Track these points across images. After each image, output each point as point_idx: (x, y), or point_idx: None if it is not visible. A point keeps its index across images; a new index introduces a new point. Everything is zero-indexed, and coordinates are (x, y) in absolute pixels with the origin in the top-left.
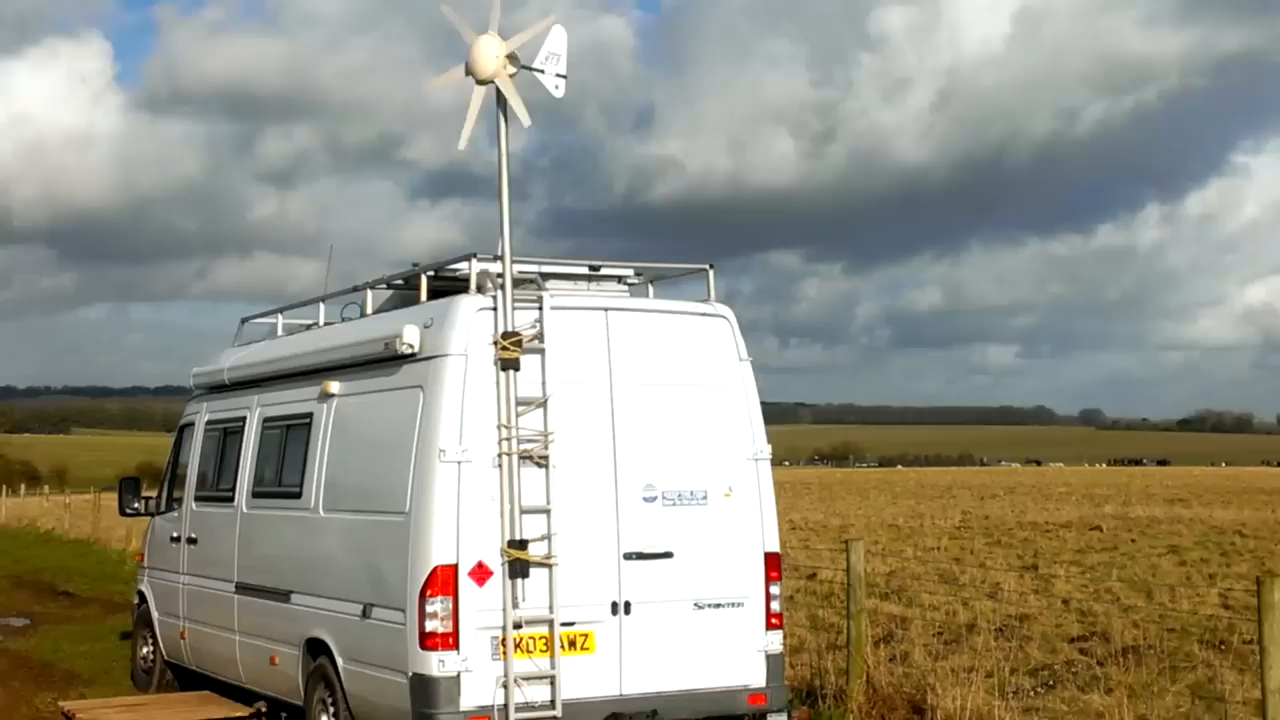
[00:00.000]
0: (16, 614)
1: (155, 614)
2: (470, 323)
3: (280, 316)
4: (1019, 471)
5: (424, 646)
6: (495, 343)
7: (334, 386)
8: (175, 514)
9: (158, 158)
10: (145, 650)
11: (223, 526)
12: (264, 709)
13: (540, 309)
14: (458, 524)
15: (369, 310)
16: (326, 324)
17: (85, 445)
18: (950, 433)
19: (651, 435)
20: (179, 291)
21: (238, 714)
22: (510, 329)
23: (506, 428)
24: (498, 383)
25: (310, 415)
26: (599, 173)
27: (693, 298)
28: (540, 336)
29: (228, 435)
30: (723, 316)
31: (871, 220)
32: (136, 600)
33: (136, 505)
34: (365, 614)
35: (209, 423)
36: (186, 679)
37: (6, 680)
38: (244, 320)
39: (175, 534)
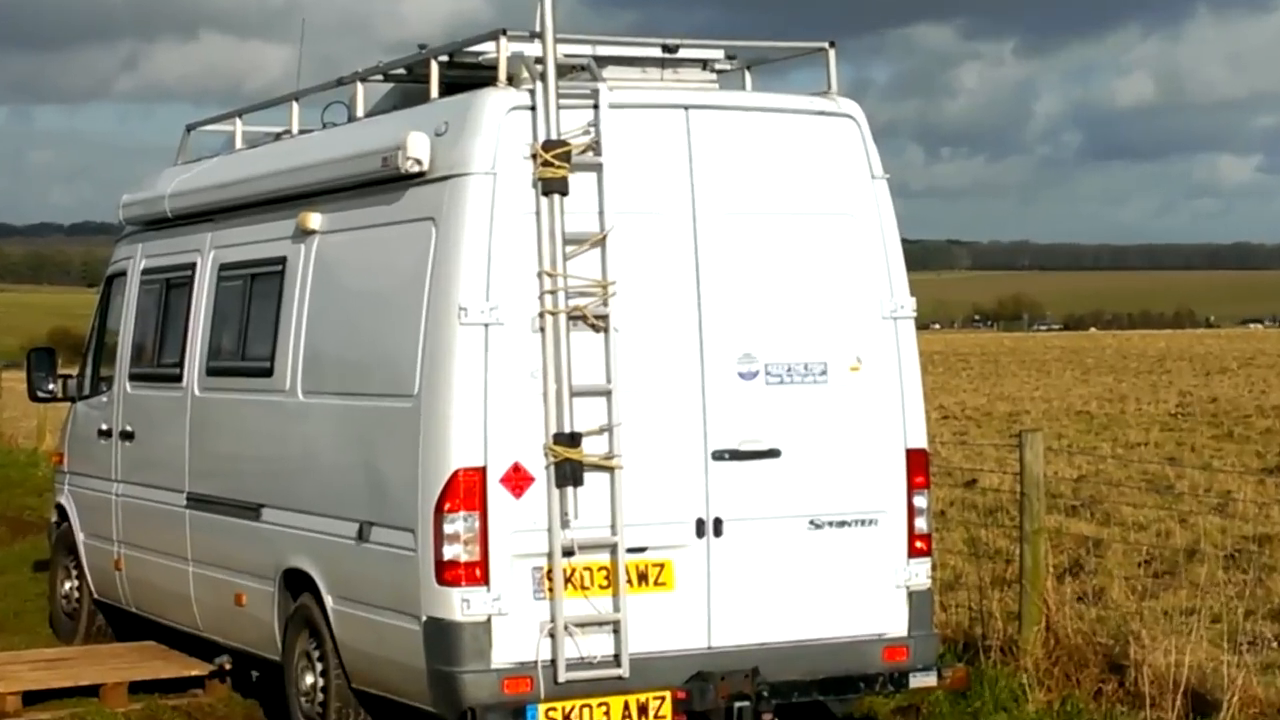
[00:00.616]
0: None
1: (80, 537)
2: (499, 128)
3: (239, 123)
4: (1260, 335)
5: (442, 580)
6: (534, 156)
7: (314, 220)
8: (104, 399)
9: None
10: (68, 586)
11: (168, 416)
12: (228, 665)
13: (596, 108)
14: (485, 411)
15: (360, 113)
16: (302, 132)
17: None
18: (1163, 281)
19: (750, 285)
20: (100, 89)
21: (192, 672)
22: (555, 136)
23: (551, 276)
24: (538, 212)
25: (283, 261)
26: None
27: (807, 91)
28: (596, 147)
29: (171, 290)
30: (849, 117)
31: None
32: (54, 518)
33: (51, 387)
34: (362, 536)
35: (146, 272)
36: (124, 624)
37: None
38: (190, 128)
39: (104, 426)
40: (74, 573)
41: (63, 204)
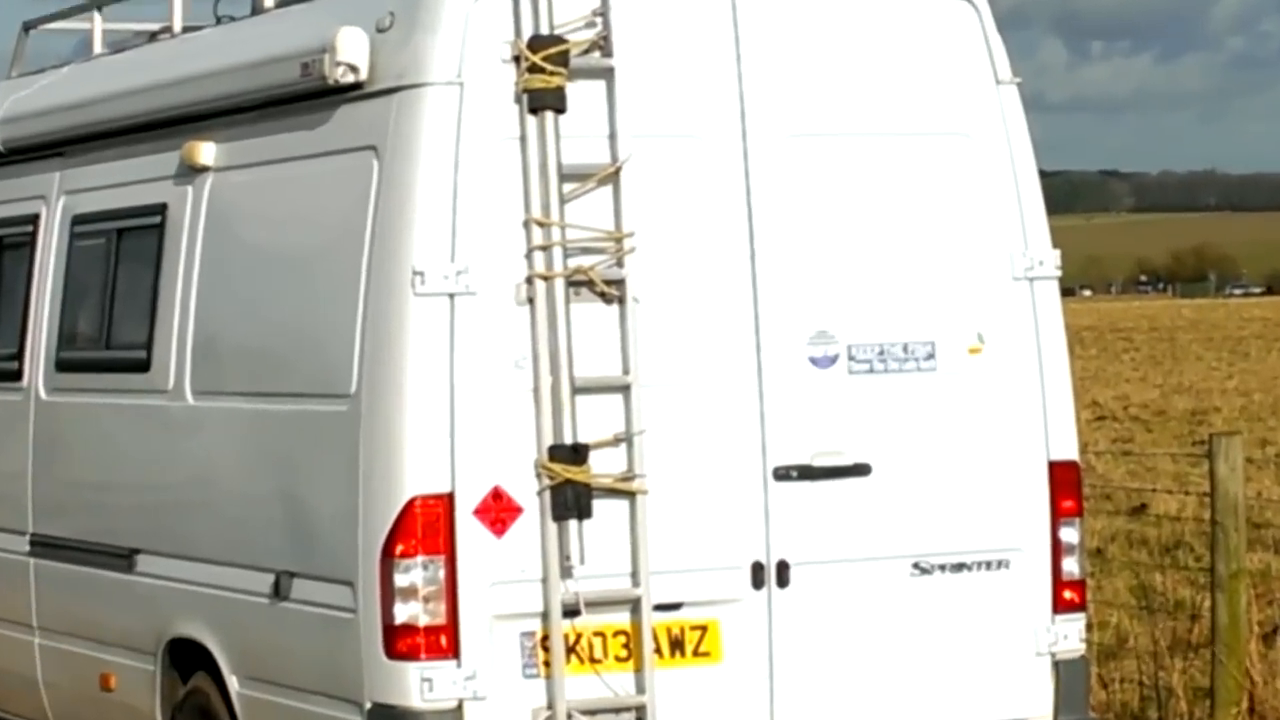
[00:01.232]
0: None
1: None
2: (466, 19)
3: (97, 18)
4: None
5: (393, 653)
6: (517, 58)
7: (206, 153)
8: None
9: None
10: None
11: (3, 428)
12: None
13: None
14: (451, 416)
15: (268, 1)
16: (187, 30)
17: None
18: None
19: (825, 236)
20: None
21: None
22: (546, 30)
23: (543, 226)
24: (524, 138)
25: (163, 210)
26: None
27: None
28: (604, 44)
29: (5, 252)
30: (964, 0)
31: None
32: None
33: None
34: (279, 592)
35: None
36: None
37: None
38: (27, 28)
39: None
40: None
41: None
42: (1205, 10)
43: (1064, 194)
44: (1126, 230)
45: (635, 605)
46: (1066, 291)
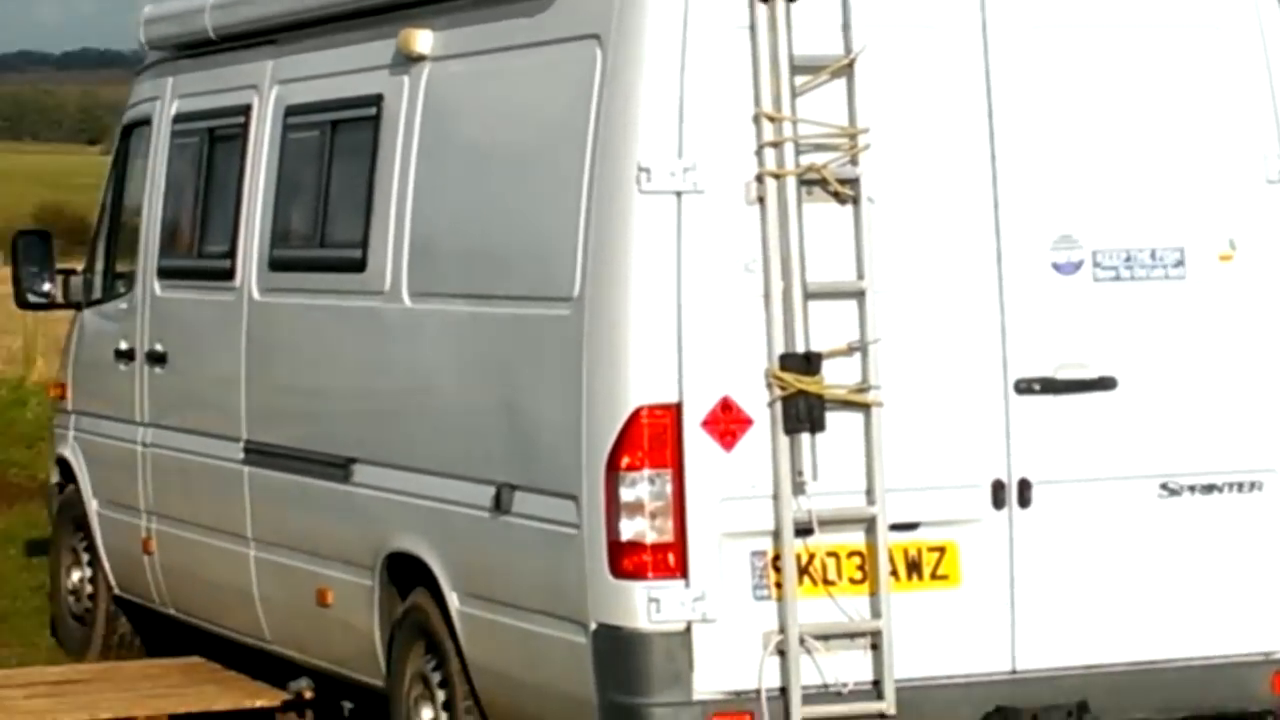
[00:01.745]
0: None
1: (92, 506)
2: None
3: None
4: None
5: (619, 571)
6: None
7: (423, 41)
8: (122, 305)
9: None
10: (76, 577)
11: (215, 330)
12: (308, 694)
13: None
14: (679, 322)
15: None
16: None
17: None
18: None
19: (1069, 135)
20: None
21: (257, 703)
22: None
23: (774, 121)
24: (753, 26)
25: (378, 101)
26: None
27: None
28: None
29: (217, 145)
30: None
31: None
32: (54, 478)
33: (46, 288)
34: (500, 505)
35: (180, 119)
36: (158, 632)
37: None
38: None
39: (124, 345)
40: (85, 558)
41: (53, 23)
42: None
43: None
44: None
45: (870, 524)
46: None
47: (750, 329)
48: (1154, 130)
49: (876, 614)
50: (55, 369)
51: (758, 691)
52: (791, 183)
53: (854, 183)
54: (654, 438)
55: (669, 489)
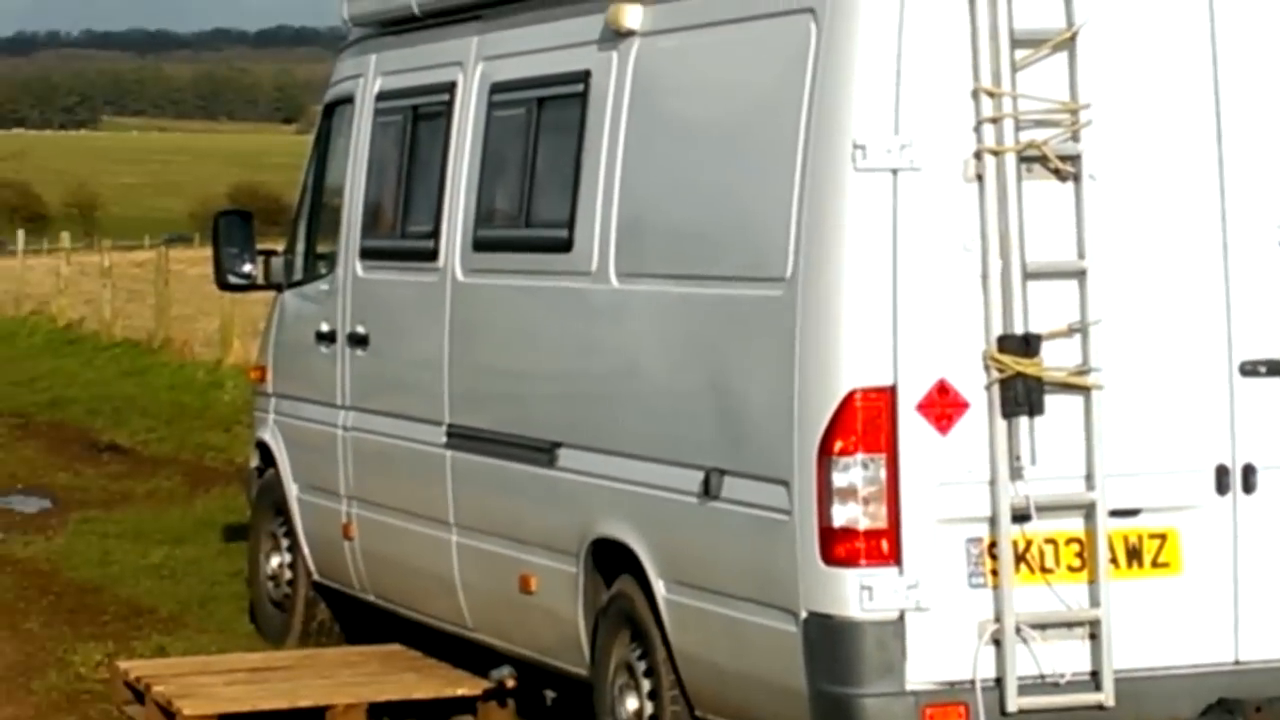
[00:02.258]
0: (24, 489)
1: (293, 491)
2: None
3: None
4: None
5: (830, 558)
6: None
7: (631, 15)
8: (324, 287)
9: None
10: (275, 563)
11: (419, 312)
12: (511, 682)
13: None
14: (894, 304)
15: None
16: None
17: (129, 151)
18: None
19: None
20: None
21: (458, 691)
22: None
23: (993, 96)
24: (972, 0)
25: (586, 78)
26: None
27: None
28: None
29: (420, 123)
30: None
31: None
32: (254, 462)
33: (247, 269)
34: (708, 490)
35: (383, 97)
36: (357, 619)
37: (16, 617)
38: None
39: (325, 328)
40: (284, 544)
41: (247, 1)
42: None
43: None
44: None
45: (1089, 510)
46: None
47: (967, 310)
48: None
49: (1095, 603)
50: (252, 351)
51: (972, 682)
52: (1011, 160)
53: (1075, 159)
54: (868, 421)
55: (883, 474)
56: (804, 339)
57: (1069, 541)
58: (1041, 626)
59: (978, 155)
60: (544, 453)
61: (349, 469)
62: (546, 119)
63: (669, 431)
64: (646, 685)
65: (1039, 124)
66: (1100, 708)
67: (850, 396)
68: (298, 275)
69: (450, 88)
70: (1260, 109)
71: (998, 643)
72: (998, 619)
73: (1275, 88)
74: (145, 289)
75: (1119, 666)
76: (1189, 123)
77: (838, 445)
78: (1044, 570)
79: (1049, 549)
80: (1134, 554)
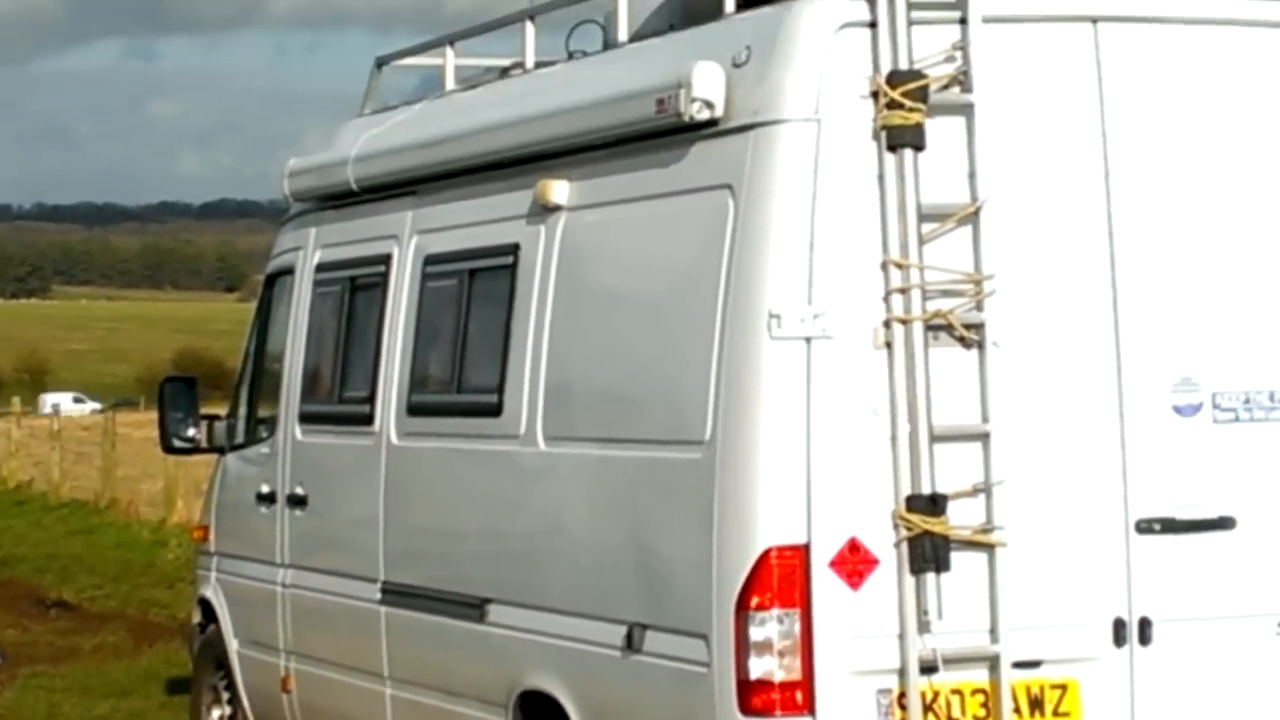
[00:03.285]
0: None
1: (233, 645)
2: (824, 54)
3: (449, 54)
4: None
5: (748, 709)
6: (875, 94)
7: (559, 192)
8: (264, 450)
9: None
10: (216, 715)
11: (355, 474)
12: None
13: (963, 22)
14: (808, 465)
15: (622, 36)
16: (540, 66)
17: (78, 318)
18: None
19: (1190, 280)
20: (249, 11)
21: None
22: (906, 65)
23: (901, 268)
24: (882, 176)
25: (515, 250)
26: None
27: None
28: (964, 79)
29: (357, 293)
30: None
31: None
32: (196, 618)
33: (191, 433)
34: (631, 644)
35: (322, 269)
36: None
37: None
38: (380, 64)
39: (265, 489)
40: (225, 697)
41: (193, 176)
42: None
43: None
44: None
45: (994, 662)
46: None
47: (877, 471)
48: (1273, 272)
49: None
50: (195, 511)
51: None
52: (919, 328)
53: (979, 327)
54: (783, 578)
55: (797, 628)
56: (722, 499)
57: (974, 692)
58: None
59: (887, 324)
60: (474, 608)
61: (287, 624)
62: (477, 289)
63: (593, 587)
64: None
65: (945, 294)
66: None
67: (766, 554)
68: (239, 439)
69: (386, 259)
70: (1154, 279)
71: None
72: None
73: (1168, 260)
74: (93, 451)
75: None
76: (1087, 292)
77: (754, 600)
78: (951, 719)
79: (955, 699)
80: (1036, 704)
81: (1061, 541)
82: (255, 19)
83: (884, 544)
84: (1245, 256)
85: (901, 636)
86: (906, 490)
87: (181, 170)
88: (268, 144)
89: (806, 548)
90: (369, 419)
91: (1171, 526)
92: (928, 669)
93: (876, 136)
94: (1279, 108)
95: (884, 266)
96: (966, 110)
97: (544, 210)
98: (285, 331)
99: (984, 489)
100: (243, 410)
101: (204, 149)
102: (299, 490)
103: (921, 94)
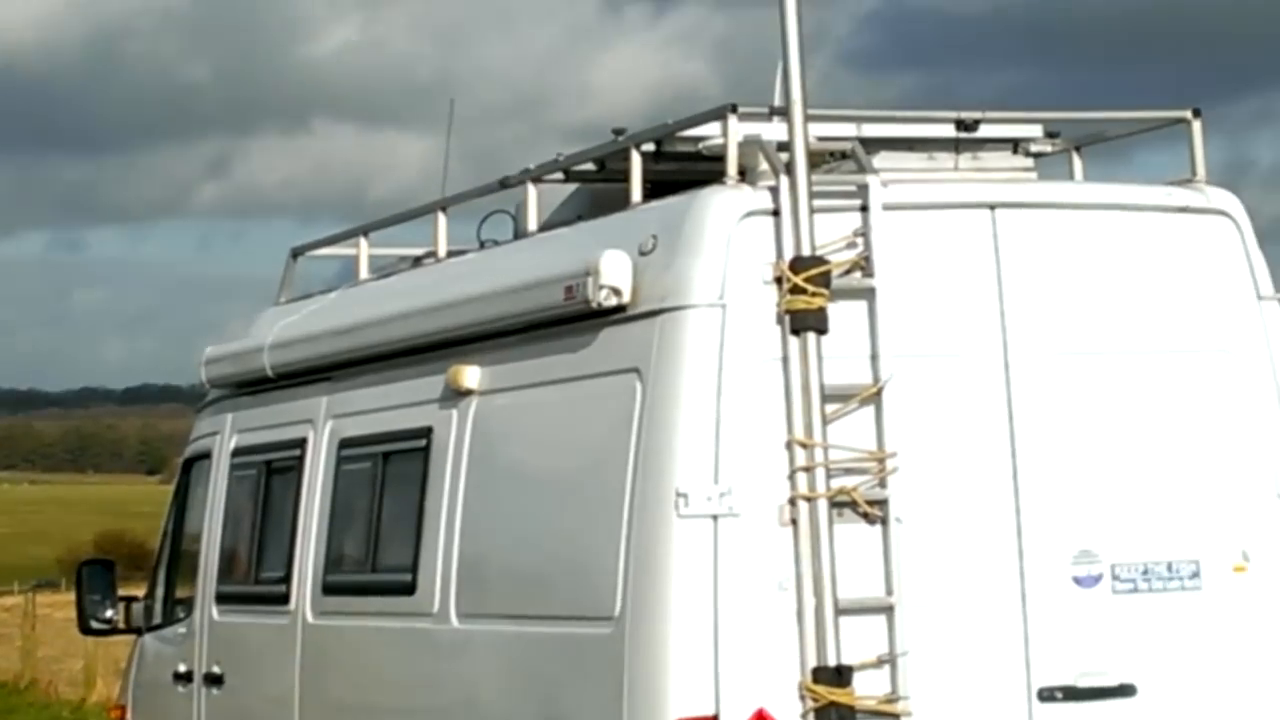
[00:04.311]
0: None
1: None
2: (729, 241)
3: (363, 244)
4: None
5: None
6: (779, 280)
7: (470, 377)
8: (181, 630)
9: None
10: None
11: (271, 653)
12: None
13: (864, 210)
14: (715, 639)
15: (532, 225)
16: (452, 255)
17: (1, 502)
18: None
19: (1087, 454)
20: (175, 202)
21: None
22: (809, 251)
23: (806, 447)
24: (786, 359)
25: (428, 434)
26: None
27: (1160, 179)
28: (866, 265)
29: (273, 476)
30: (1222, 214)
31: None
32: None
33: (109, 615)
34: None
35: (238, 453)
36: None
37: None
38: (296, 254)
39: (182, 668)
40: None
41: (114, 362)
42: None
43: None
44: None
45: None
46: None
47: (784, 643)
48: (1169, 447)
49: None
50: (114, 690)
51: None
52: (823, 505)
53: (882, 504)
54: None
55: None
56: (632, 672)
57: None
58: None
59: (792, 501)
60: None
61: None
62: (391, 472)
63: None
64: None
65: (848, 471)
66: None
67: None
68: (157, 619)
69: (301, 443)
70: (1053, 454)
71: None
72: None
73: (1066, 435)
74: (13, 632)
75: None
76: (989, 468)
77: None
78: None
79: None
80: None
81: (966, 710)
82: (182, 210)
83: (791, 714)
84: (1140, 431)
85: None
86: (812, 662)
87: (105, 356)
88: (191, 330)
89: (715, 719)
90: (285, 598)
91: (1073, 694)
92: None
93: (780, 320)
94: (1162, 284)
95: (789, 445)
96: (868, 294)
97: (456, 394)
98: (202, 514)
99: (889, 660)
100: (160, 591)
101: (128, 335)
102: (215, 669)
103: (824, 279)
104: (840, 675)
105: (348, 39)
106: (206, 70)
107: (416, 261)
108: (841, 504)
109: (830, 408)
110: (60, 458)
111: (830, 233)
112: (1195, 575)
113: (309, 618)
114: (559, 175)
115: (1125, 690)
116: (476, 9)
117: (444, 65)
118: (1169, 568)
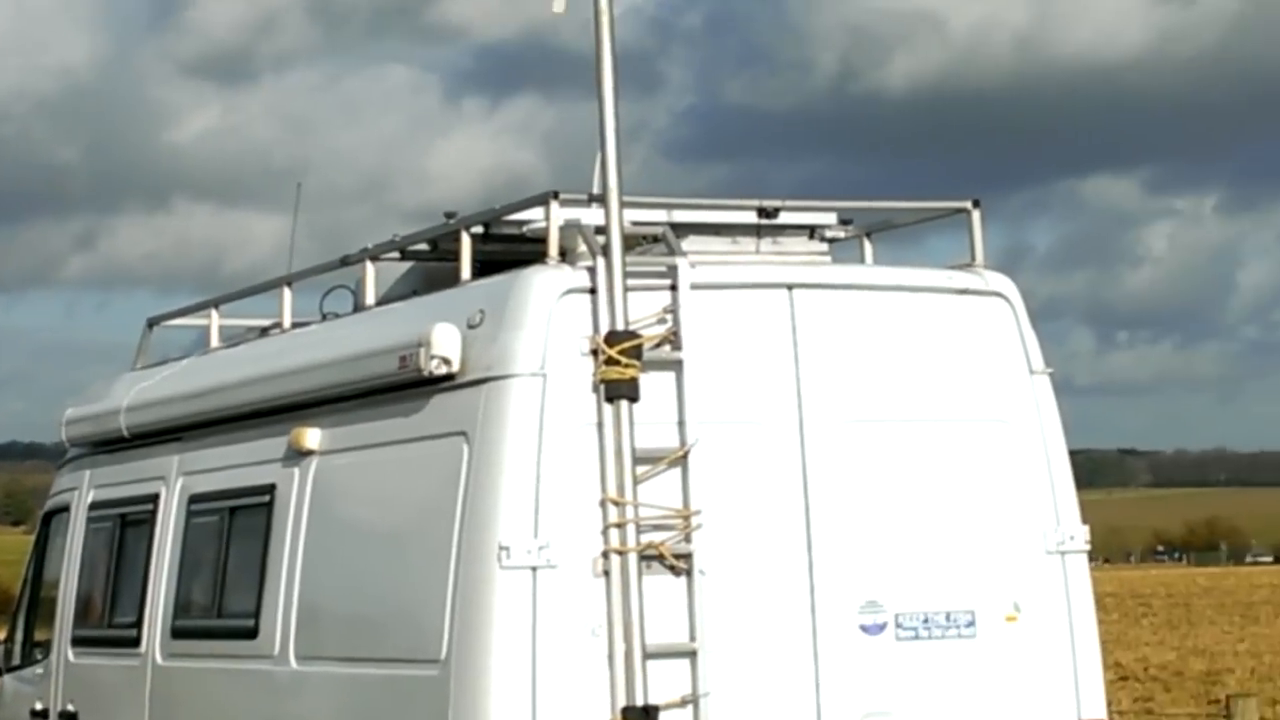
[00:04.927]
0: None
1: None
2: (549, 316)
3: (214, 315)
4: None
5: None
6: (595, 352)
7: (311, 438)
8: (39, 670)
9: (12, 30)
10: None
11: (122, 692)
12: None
13: (674, 289)
14: (533, 681)
15: (370, 300)
16: (296, 326)
17: None
18: None
19: (874, 513)
20: (40, 275)
21: None
22: (622, 326)
23: (618, 505)
24: (601, 424)
25: (271, 490)
26: (788, 41)
27: (944, 263)
28: (674, 339)
29: (127, 528)
30: (999, 295)
31: (1274, 121)
32: None
33: None
34: None
35: (95, 506)
36: None
37: None
38: (152, 323)
39: (39, 706)
40: None
41: None
42: (1223, 300)
43: (1086, 470)
44: (1143, 505)
45: None
46: (1093, 559)
47: (597, 685)
48: (949, 508)
49: None
50: None
51: None
52: (633, 558)
53: (688, 557)
54: None
55: None
56: (456, 711)
57: None
58: None
59: (605, 554)
60: None
61: None
62: (237, 525)
63: None
64: None
65: (657, 528)
66: None
67: None
68: (16, 661)
69: (154, 498)
70: (843, 514)
71: None
72: None
73: (856, 496)
74: None
75: None
76: (784, 525)
77: None
78: None
79: None
80: None
81: None
82: (50, 280)
83: None
84: (923, 492)
85: None
86: (622, 702)
87: None
88: (56, 391)
89: None
90: (136, 641)
91: None
92: None
93: (596, 389)
94: (944, 359)
95: (603, 503)
96: (676, 366)
97: (298, 454)
98: (61, 563)
99: (692, 700)
100: (20, 634)
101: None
102: (70, 707)
103: (636, 352)
104: (648, 714)
105: (208, 126)
106: (76, 153)
107: (264, 332)
108: (650, 557)
109: (641, 469)
110: None
111: (642, 309)
112: (971, 624)
113: (159, 659)
114: (395, 254)
115: None
116: (329, 99)
117: (297, 150)
118: (947, 617)
